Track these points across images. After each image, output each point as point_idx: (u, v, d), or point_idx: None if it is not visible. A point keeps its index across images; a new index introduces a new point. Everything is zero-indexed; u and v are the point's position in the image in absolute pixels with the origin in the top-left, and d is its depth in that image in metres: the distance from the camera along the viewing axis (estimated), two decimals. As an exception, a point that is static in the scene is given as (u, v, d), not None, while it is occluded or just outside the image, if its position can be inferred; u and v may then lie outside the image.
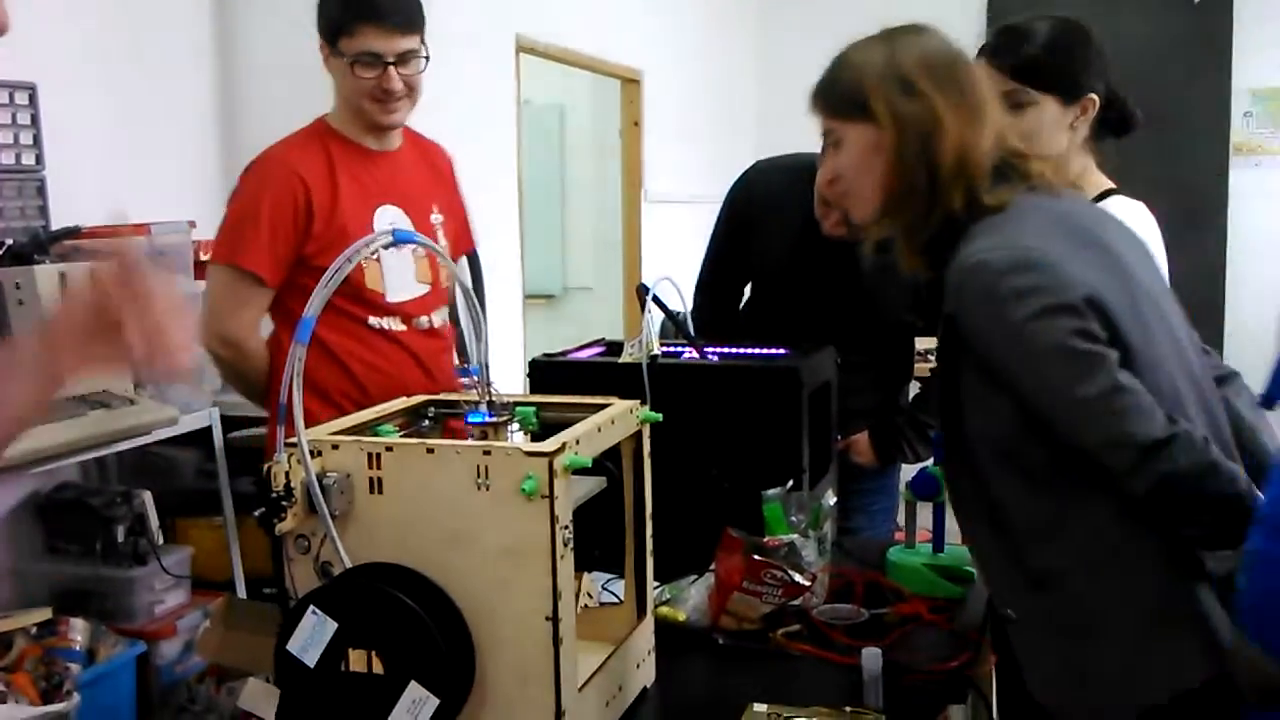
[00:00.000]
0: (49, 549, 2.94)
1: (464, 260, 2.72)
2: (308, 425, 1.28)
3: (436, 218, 2.47)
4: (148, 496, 2.92)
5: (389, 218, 2.36)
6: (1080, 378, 1.34)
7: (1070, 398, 1.35)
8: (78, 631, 2.61)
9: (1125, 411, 1.34)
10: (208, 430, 3.05)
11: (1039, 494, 1.44)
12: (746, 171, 2.64)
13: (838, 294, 2.45)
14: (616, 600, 1.74)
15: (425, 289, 2.41)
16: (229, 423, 3.12)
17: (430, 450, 1.29)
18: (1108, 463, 1.36)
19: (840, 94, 1.54)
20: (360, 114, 2.34)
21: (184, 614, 2.94)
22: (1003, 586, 1.54)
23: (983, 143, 1.47)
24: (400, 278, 2.37)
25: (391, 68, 2.27)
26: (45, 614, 2.59)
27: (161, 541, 2.95)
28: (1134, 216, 1.94)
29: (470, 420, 1.43)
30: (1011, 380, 1.41)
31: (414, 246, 2.37)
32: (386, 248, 2.32)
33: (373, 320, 2.34)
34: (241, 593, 3.12)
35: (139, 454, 3.02)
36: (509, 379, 2.98)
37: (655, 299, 2.11)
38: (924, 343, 2.80)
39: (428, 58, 2.34)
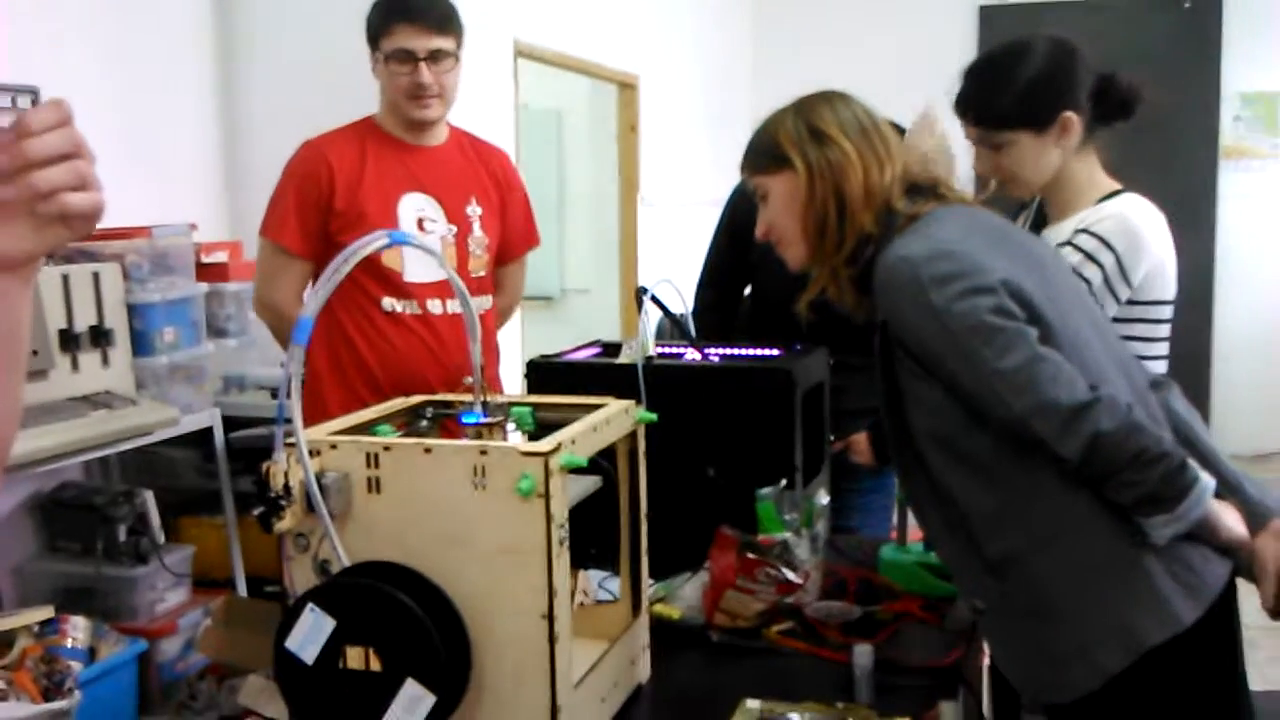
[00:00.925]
0: (51, 548, 2.95)
1: (525, 259, 2.87)
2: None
3: (474, 209, 2.58)
4: (149, 496, 2.93)
5: (416, 204, 2.51)
6: (1003, 350, 1.42)
7: (994, 371, 1.43)
8: (79, 630, 2.61)
9: (1048, 379, 1.41)
10: (209, 431, 3.07)
11: (985, 483, 1.51)
12: None
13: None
14: (612, 598, 1.75)
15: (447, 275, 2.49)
16: (230, 423, 3.14)
17: (428, 450, 1.30)
18: (1038, 431, 1.42)
19: (760, 151, 1.67)
20: (397, 110, 2.50)
21: (185, 612, 2.95)
22: (966, 579, 1.61)
23: (887, 176, 1.59)
24: (422, 259, 2.46)
25: (423, 64, 2.43)
26: (47, 612, 2.59)
27: (163, 540, 2.96)
28: (1145, 213, 1.95)
29: (464, 421, 1.44)
30: (940, 365, 1.49)
31: (444, 233, 2.51)
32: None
33: (386, 302, 2.46)
34: (242, 591, 3.13)
35: (141, 454, 3.04)
36: (507, 380, 3.01)
37: (654, 299, 2.13)
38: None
39: (458, 58, 2.48)
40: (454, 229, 2.53)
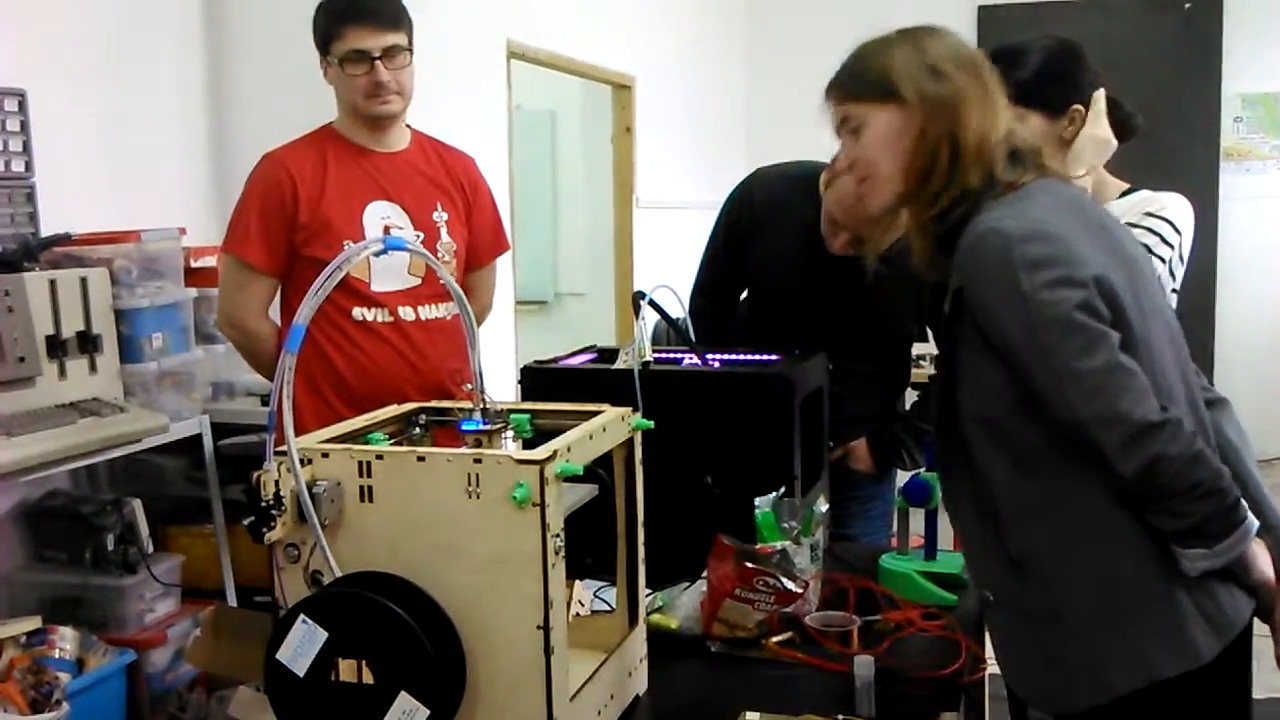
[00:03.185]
0: (38, 557, 2.92)
1: (494, 265, 2.80)
2: (295, 410, 1.28)
3: (440, 215, 2.55)
4: (137, 504, 2.91)
5: (381, 212, 2.48)
6: (1083, 351, 1.36)
7: (1071, 370, 1.37)
8: (67, 640, 2.59)
9: (1123, 390, 1.36)
10: (198, 438, 3.04)
11: (1026, 476, 1.46)
12: (747, 178, 2.63)
13: (837, 302, 2.45)
14: (608, 608, 1.74)
15: (416, 281, 2.49)
16: (219, 430, 3.11)
17: (421, 458, 1.28)
18: (1099, 439, 1.37)
19: (866, 80, 1.56)
20: (356, 112, 2.48)
21: (174, 622, 2.93)
22: (983, 567, 1.57)
23: (999, 129, 1.51)
24: (389, 268, 2.44)
25: (378, 62, 2.41)
26: (34, 623, 2.58)
27: (151, 550, 2.94)
28: (1174, 204, 1.98)
29: (464, 428, 1.42)
30: (1013, 349, 1.42)
31: (412, 239, 2.47)
32: (376, 255, 2.34)
33: (356, 312, 2.44)
34: (232, 601, 3.11)
35: (129, 462, 3.01)
36: (501, 385, 2.99)
37: (653, 303, 2.11)
38: (919, 348, 2.81)
39: (412, 51, 2.46)
40: (420, 236, 2.50)
